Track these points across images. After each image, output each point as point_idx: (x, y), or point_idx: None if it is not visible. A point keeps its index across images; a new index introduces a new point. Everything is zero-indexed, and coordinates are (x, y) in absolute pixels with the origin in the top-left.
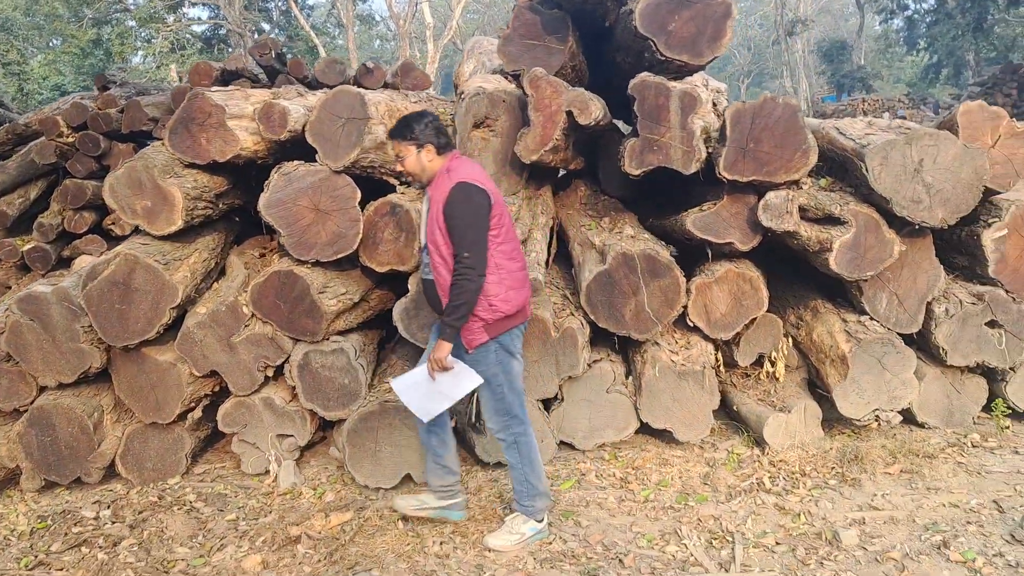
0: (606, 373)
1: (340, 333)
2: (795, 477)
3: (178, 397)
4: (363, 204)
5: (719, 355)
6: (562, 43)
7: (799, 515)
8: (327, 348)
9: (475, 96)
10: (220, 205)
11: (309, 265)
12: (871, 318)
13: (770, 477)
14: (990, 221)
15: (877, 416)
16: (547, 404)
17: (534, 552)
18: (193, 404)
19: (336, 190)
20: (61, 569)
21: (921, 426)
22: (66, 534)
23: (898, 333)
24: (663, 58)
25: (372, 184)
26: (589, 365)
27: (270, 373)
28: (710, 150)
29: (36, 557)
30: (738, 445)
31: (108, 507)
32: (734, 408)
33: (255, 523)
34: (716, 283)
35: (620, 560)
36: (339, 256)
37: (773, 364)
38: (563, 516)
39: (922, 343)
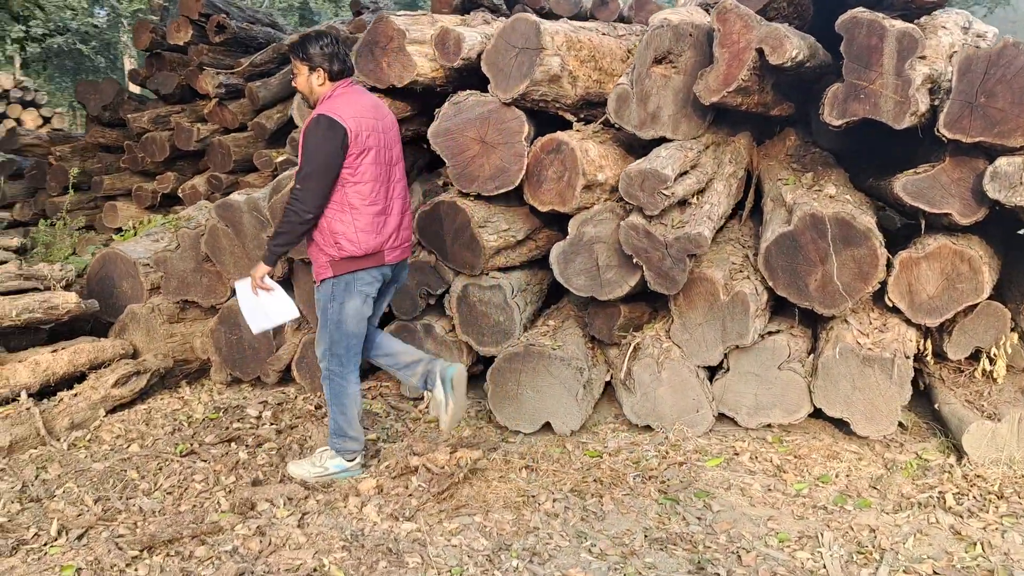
0: (780, 347)
1: (503, 270)
2: (988, 499)
3: None
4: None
5: (927, 343)
6: None
7: (976, 544)
8: (485, 283)
9: (658, 28)
10: (403, 130)
11: (472, 198)
12: None
13: (956, 494)
14: None
15: None
16: (713, 372)
17: (648, 529)
18: None
19: (504, 123)
20: (205, 460)
21: None
22: (226, 428)
23: None
24: None
25: (548, 119)
26: (762, 336)
27: (432, 301)
28: (935, 103)
29: (191, 445)
30: (930, 450)
31: (271, 409)
32: (936, 407)
33: (388, 446)
34: (925, 259)
35: (739, 556)
36: (500, 191)
37: (992, 362)
38: (696, 495)
39: None
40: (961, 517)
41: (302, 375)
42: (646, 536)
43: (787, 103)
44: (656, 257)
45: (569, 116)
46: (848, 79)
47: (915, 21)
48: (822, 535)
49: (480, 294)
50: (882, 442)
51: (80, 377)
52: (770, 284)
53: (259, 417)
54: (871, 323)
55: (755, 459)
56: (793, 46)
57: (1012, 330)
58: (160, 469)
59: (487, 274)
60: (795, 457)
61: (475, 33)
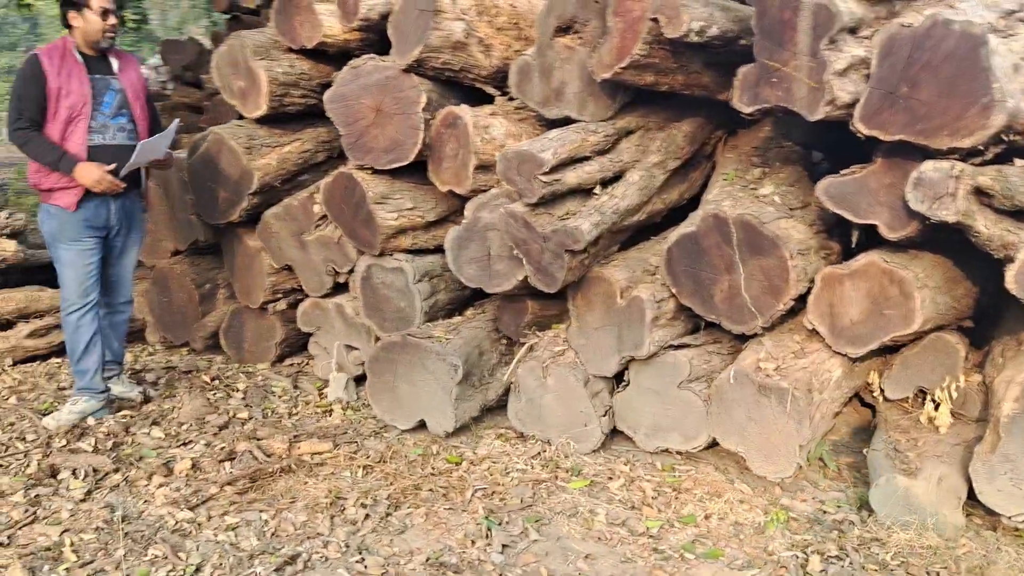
0: (681, 364)
1: (419, 252)
2: (865, 568)
3: (261, 285)
4: None
5: (877, 377)
6: None
7: None
8: (388, 265)
9: None
10: None
11: (370, 171)
12: None
13: (830, 557)
14: None
15: None
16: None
17: (441, 551)
18: (280, 295)
19: (401, 91)
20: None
21: None
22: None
23: None
24: None
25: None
26: (664, 348)
27: (341, 280)
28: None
29: (57, 405)
30: (841, 501)
31: (175, 375)
32: (864, 452)
33: (242, 429)
34: (850, 277)
35: None
36: (394, 165)
37: (936, 407)
38: (527, 520)
39: None
40: None
41: (228, 344)
42: (429, 560)
43: None
44: (535, 250)
45: (490, 89)
46: (760, 59)
47: None
48: None
49: (383, 276)
50: (785, 486)
51: (8, 325)
52: (673, 291)
53: (155, 383)
54: (789, 346)
55: (627, 487)
56: (694, 17)
57: (974, 371)
58: (11, 425)
59: (391, 255)
60: (674, 490)
61: None
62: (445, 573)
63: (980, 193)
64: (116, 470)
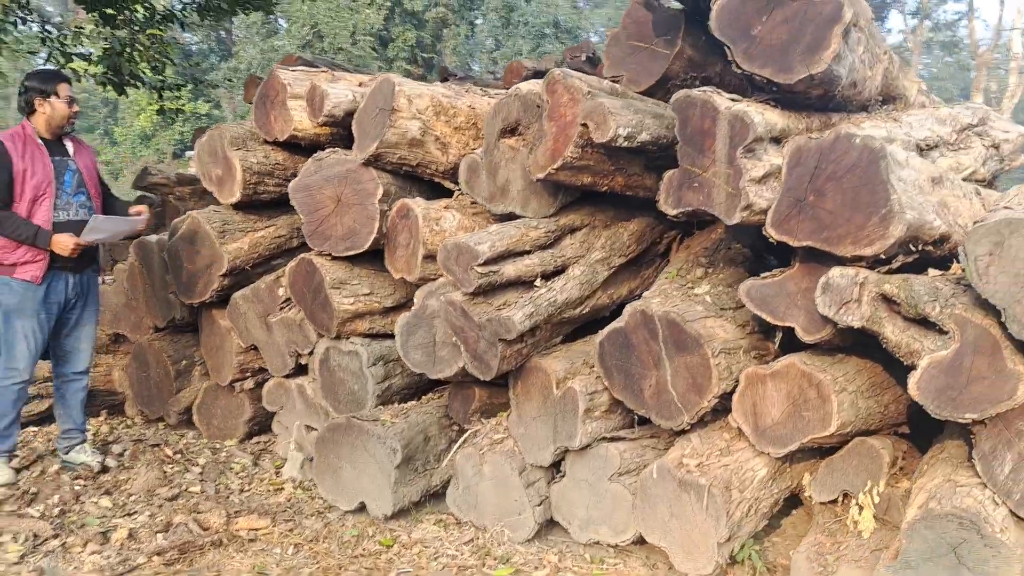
0: (611, 457)
1: (377, 336)
2: None
3: (230, 363)
4: None
5: (808, 477)
6: (669, 47)
7: None
8: (344, 348)
9: (506, 97)
10: None
11: (329, 257)
12: (984, 484)
13: None
14: None
15: None
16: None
17: None
18: (248, 374)
19: (360, 183)
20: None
21: None
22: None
23: None
24: (741, 71)
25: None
26: (599, 441)
27: (303, 361)
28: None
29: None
30: None
31: (140, 447)
32: (792, 553)
33: (186, 503)
34: (772, 378)
35: None
36: (350, 253)
37: (861, 510)
38: None
39: None
40: None
41: (200, 420)
42: None
43: None
44: (472, 338)
45: (448, 183)
46: (683, 165)
47: (871, 111)
48: None
49: (339, 359)
50: None
51: None
52: (606, 384)
53: (120, 455)
54: (717, 444)
55: None
56: (621, 123)
57: (906, 477)
58: None
59: (348, 338)
60: None
61: (346, 91)
62: None
63: (889, 300)
64: (55, 536)
